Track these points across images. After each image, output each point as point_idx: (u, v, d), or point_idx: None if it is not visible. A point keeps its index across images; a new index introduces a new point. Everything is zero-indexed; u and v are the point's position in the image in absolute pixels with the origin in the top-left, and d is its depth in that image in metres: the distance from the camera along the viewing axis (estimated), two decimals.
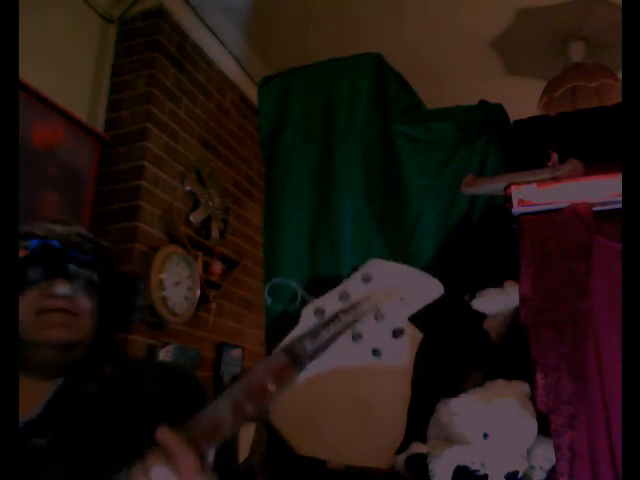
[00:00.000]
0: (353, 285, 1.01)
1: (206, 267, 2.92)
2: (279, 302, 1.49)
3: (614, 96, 2.62)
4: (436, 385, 1.33)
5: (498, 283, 1.40)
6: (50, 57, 2.52)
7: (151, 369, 1.03)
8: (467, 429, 1.18)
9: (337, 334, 0.70)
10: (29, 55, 2.08)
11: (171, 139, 2.82)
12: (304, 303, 1.10)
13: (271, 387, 0.69)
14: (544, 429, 1.17)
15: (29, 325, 0.89)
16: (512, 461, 1.15)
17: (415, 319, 1.04)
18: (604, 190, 1.27)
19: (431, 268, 1.13)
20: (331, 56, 1.75)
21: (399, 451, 1.26)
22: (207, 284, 2.90)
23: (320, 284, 1.18)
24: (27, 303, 0.90)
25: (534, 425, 1.18)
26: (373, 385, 1.24)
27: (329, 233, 1.60)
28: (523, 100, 2.49)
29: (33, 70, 2.24)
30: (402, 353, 1.13)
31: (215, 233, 3.04)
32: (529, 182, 1.32)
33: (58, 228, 0.97)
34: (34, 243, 0.94)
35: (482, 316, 1.40)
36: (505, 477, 1.14)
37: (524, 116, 1.62)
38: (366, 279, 1.00)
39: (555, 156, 1.42)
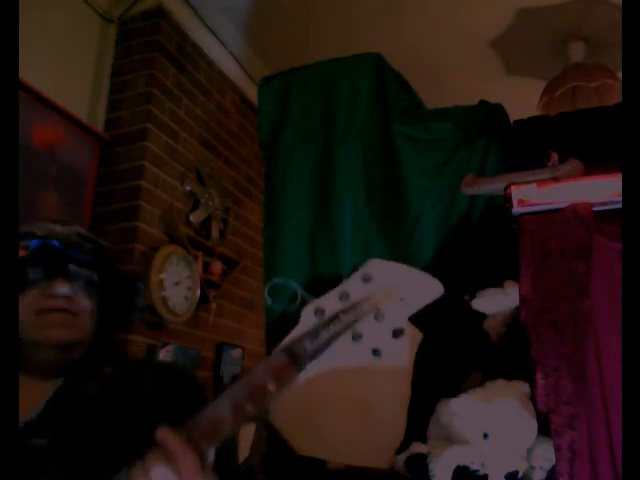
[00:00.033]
0: (353, 285, 1.01)
1: (206, 267, 2.92)
2: (279, 302, 1.49)
3: (614, 96, 2.62)
4: (436, 385, 1.33)
5: (498, 283, 1.40)
6: (50, 57, 2.52)
7: (151, 369, 1.03)
8: (467, 429, 1.18)
9: (337, 334, 0.70)
10: (29, 55, 2.08)
11: (171, 139, 2.82)
12: (304, 303, 1.10)
13: (271, 387, 0.69)
14: (544, 429, 1.17)
15: (29, 325, 0.89)
16: (512, 461, 1.15)
17: (415, 319, 1.04)
18: (604, 190, 1.27)
19: (431, 268, 1.14)
20: (331, 56, 1.75)
21: (399, 451, 1.26)
22: (207, 284, 2.90)
23: (320, 284, 1.18)
24: (27, 303, 0.90)
25: (534, 425, 1.18)
26: (373, 385, 1.24)
27: (329, 233, 1.60)
28: (523, 100, 2.49)
29: (33, 70, 2.24)
30: (402, 353, 1.13)
31: (215, 233, 3.04)
32: (529, 182, 1.32)
33: (58, 228, 0.97)
34: (34, 243, 0.94)
35: (482, 316, 1.40)
36: (505, 477, 1.14)
37: (524, 116, 1.62)
38: (366, 279, 1.00)
39: (555, 156, 1.42)
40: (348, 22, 3.07)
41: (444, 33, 3.13)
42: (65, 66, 2.61)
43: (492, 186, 1.43)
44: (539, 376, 1.17)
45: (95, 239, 1.00)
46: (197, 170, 2.98)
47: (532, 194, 1.30)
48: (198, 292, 2.76)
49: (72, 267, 0.94)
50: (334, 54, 1.76)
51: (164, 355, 2.60)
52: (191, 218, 2.88)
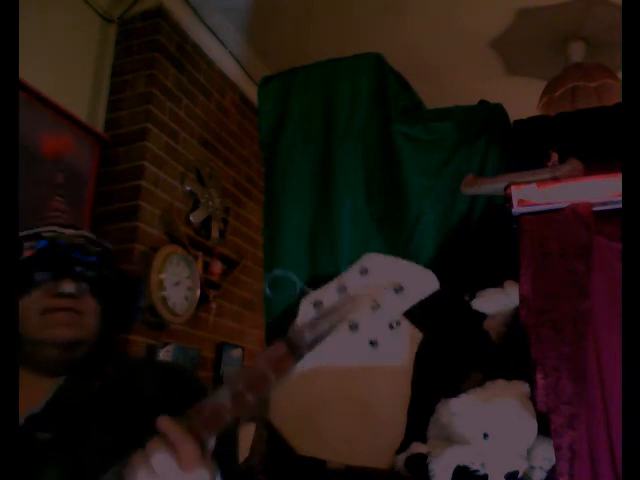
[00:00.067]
0: (350, 278, 1.02)
1: (206, 267, 2.92)
2: (279, 294, 1.49)
3: (614, 96, 2.62)
4: (436, 385, 1.33)
5: (498, 283, 1.40)
6: (50, 57, 2.52)
7: (151, 369, 1.04)
8: (467, 429, 1.18)
9: (335, 325, 0.71)
10: (29, 55, 2.08)
11: (171, 139, 2.82)
12: (303, 295, 1.11)
13: (270, 376, 0.70)
14: (544, 429, 1.17)
15: (34, 324, 0.90)
16: (512, 461, 1.15)
17: (415, 319, 1.04)
18: (604, 190, 1.27)
19: (431, 268, 1.14)
20: (331, 56, 1.75)
21: (399, 451, 1.26)
22: (207, 284, 2.90)
23: (320, 284, 1.18)
24: (33, 302, 0.91)
25: (534, 425, 1.18)
26: (373, 385, 1.24)
27: (329, 233, 1.60)
28: (523, 100, 2.49)
29: (33, 70, 2.24)
30: (399, 346, 1.13)
31: (215, 233, 3.04)
32: (529, 182, 1.32)
33: (64, 230, 0.99)
34: (41, 244, 0.95)
35: (482, 316, 1.40)
36: (505, 477, 1.14)
37: (524, 116, 1.62)
38: (363, 272, 1.01)
39: (555, 156, 1.42)
40: (348, 22, 3.07)
41: (444, 33, 3.13)
42: (65, 66, 2.61)
43: (492, 186, 1.43)
44: (539, 376, 1.17)
45: (100, 241, 1.02)
46: (197, 170, 2.98)
47: (532, 194, 1.30)
48: (198, 292, 2.77)
49: (78, 267, 0.95)
50: (334, 54, 1.76)
51: (164, 355, 2.60)
52: (191, 218, 2.88)
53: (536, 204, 1.30)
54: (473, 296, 1.41)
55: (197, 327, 2.87)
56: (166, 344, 2.62)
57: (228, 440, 0.88)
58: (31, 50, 2.19)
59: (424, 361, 1.23)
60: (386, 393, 1.27)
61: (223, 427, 0.71)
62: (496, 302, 1.38)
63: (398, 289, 1.01)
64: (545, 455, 1.18)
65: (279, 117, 1.72)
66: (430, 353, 1.24)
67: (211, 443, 0.71)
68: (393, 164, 1.63)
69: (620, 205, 1.19)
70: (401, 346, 1.16)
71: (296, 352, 0.71)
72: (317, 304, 1.05)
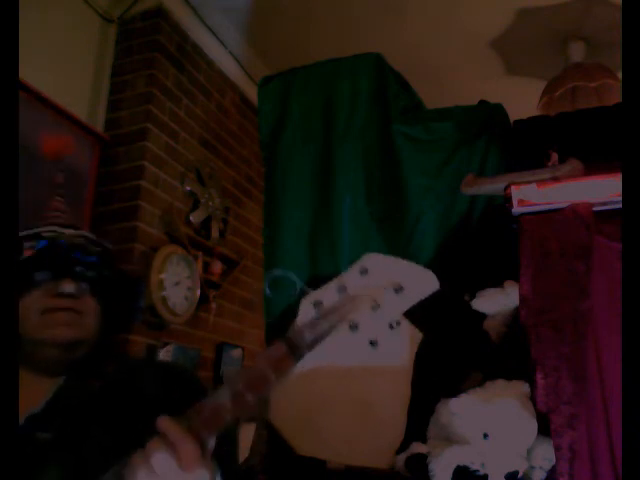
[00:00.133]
0: (350, 278, 1.02)
1: (206, 267, 2.92)
2: (279, 296, 1.48)
3: (614, 96, 2.62)
4: (436, 385, 1.33)
5: (498, 283, 1.40)
6: (50, 57, 2.52)
7: (151, 369, 1.04)
8: (467, 429, 1.18)
9: (335, 325, 0.71)
10: (29, 55, 2.08)
11: (171, 139, 2.82)
12: (303, 295, 1.11)
13: (270, 376, 0.70)
14: (544, 429, 1.17)
15: (34, 324, 0.90)
16: (512, 461, 1.15)
17: (415, 319, 1.04)
18: (604, 190, 1.27)
19: (431, 268, 1.14)
20: (331, 56, 1.75)
21: (399, 451, 1.26)
22: (207, 284, 2.90)
23: (320, 284, 1.18)
24: (33, 302, 0.91)
25: (534, 425, 1.18)
26: (373, 385, 1.24)
27: (329, 233, 1.60)
28: (523, 100, 2.49)
29: (33, 70, 2.24)
30: (399, 346, 1.13)
31: (215, 233, 3.04)
32: (529, 182, 1.32)
33: (64, 230, 0.99)
34: (41, 244, 0.95)
35: (482, 316, 1.40)
36: (505, 477, 1.14)
37: (524, 116, 1.62)
38: (363, 272, 1.01)
39: (555, 156, 1.42)
40: (348, 22, 3.07)
41: (444, 33, 3.13)
42: (65, 66, 2.61)
43: (492, 186, 1.43)
44: (539, 376, 1.17)
45: (100, 241, 1.02)
46: (197, 170, 2.98)
47: (532, 194, 1.30)
48: (198, 292, 2.77)
49: (78, 268, 0.95)
50: (334, 54, 1.76)
51: (164, 355, 2.60)
52: (191, 218, 2.88)
53: (536, 204, 1.30)
54: (473, 296, 1.41)
55: (197, 327, 2.86)
56: (166, 344, 2.62)
57: (228, 440, 0.88)
58: (31, 50, 2.19)
59: (424, 361, 1.23)
60: (386, 393, 1.27)
61: (223, 427, 0.71)
62: (496, 302, 1.38)
63: (398, 289, 1.01)
64: (545, 455, 1.18)
65: (279, 117, 1.72)
66: (430, 353, 1.24)
67: (211, 443, 0.72)
68: (393, 164, 1.63)
69: (620, 205, 1.19)
70: (401, 346, 1.16)
71: (296, 352, 0.71)
72: (317, 304, 1.05)
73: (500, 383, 1.26)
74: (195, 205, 2.92)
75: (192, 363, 2.78)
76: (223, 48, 3.24)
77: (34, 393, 0.89)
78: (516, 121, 1.61)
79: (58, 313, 0.92)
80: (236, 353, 3.15)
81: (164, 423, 0.69)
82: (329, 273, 1.53)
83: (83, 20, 2.75)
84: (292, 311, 1.22)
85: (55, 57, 2.55)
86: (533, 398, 1.19)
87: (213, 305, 2.94)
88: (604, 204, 1.27)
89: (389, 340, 1.06)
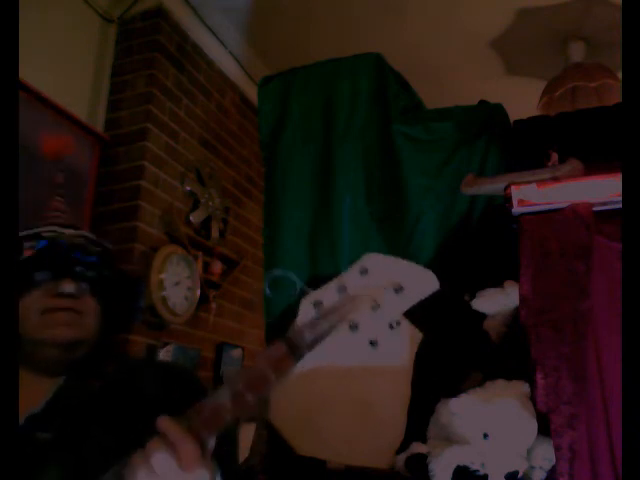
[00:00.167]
0: (350, 278, 1.02)
1: (206, 267, 2.92)
2: (279, 296, 1.49)
3: (614, 96, 2.62)
4: (436, 385, 1.33)
5: (498, 283, 1.40)
6: (50, 57, 2.52)
7: (151, 369, 1.04)
8: (467, 429, 1.18)
9: (335, 325, 0.71)
10: (29, 55, 2.08)
11: (171, 139, 2.82)
12: (303, 295, 1.11)
13: (270, 376, 0.70)
14: (544, 429, 1.17)
15: (34, 324, 0.90)
16: (512, 461, 1.15)
17: (415, 319, 1.04)
18: (604, 190, 1.27)
19: (431, 268, 1.14)
20: (331, 56, 1.75)
21: (399, 451, 1.26)
22: (207, 284, 2.90)
23: (320, 284, 1.18)
24: (33, 302, 0.91)
25: (534, 425, 1.18)
26: (373, 385, 1.24)
27: (329, 233, 1.60)
28: (523, 100, 2.49)
29: (33, 70, 2.24)
30: (399, 347, 1.13)
31: (215, 233, 3.04)
32: (529, 182, 1.32)
33: (64, 230, 0.99)
34: (41, 244, 0.95)
35: (482, 316, 1.40)
36: (505, 477, 1.14)
37: (524, 116, 1.62)
38: (363, 272, 1.01)
39: (555, 156, 1.42)
40: (348, 22, 3.07)
41: (444, 33, 3.13)
42: (65, 66, 2.61)
43: (492, 186, 1.43)
44: (539, 376, 1.17)
45: (100, 241, 1.02)
46: (197, 170, 2.98)
47: (532, 194, 1.30)
48: (198, 292, 2.77)
49: (78, 268, 0.95)
50: (334, 54, 1.76)
51: (164, 355, 2.60)
52: (191, 218, 2.88)
53: (536, 204, 1.30)
54: (473, 296, 1.41)
55: (197, 327, 2.86)
56: (166, 344, 2.62)
57: (228, 440, 0.88)
58: (31, 50, 2.19)
59: (424, 361, 1.23)
60: (386, 393, 1.27)
61: (223, 427, 0.71)
62: (496, 302, 1.38)
63: (398, 289, 1.01)
64: (545, 455, 1.18)
65: (279, 117, 1.72)
66: (430, 353, 1.24)
67: (211, 443, 0.72)
68: (393, 164, 1.63)
69: (620, 205, 1.19)
70: (401, 346, 1.16)
71: (296, 352, 0.71)
72: (317, 304, 1.05)
73: (500, 383, 1.26)
74: (195, 205, 2.92)
75: (192, 363, 2.78)
76: (223, 48, 3.24)
77: (34, 393, 0.89)
78: (516, 121, 1.61)
79: (58, 313, 0.92)
80: (236, 353, 3.15)
81: (164, 423, 0.69)
82: (329, 273, 1.53)
83: (83, 20, 2.75)
84: (292, 311, 1.22)
85: (55, 57, 2.55)
86: (533, 398, 1.19)
87: (213, 305, 2.94)
88: (604, 204, 1.27)
89: (389, 340, 1.06)
